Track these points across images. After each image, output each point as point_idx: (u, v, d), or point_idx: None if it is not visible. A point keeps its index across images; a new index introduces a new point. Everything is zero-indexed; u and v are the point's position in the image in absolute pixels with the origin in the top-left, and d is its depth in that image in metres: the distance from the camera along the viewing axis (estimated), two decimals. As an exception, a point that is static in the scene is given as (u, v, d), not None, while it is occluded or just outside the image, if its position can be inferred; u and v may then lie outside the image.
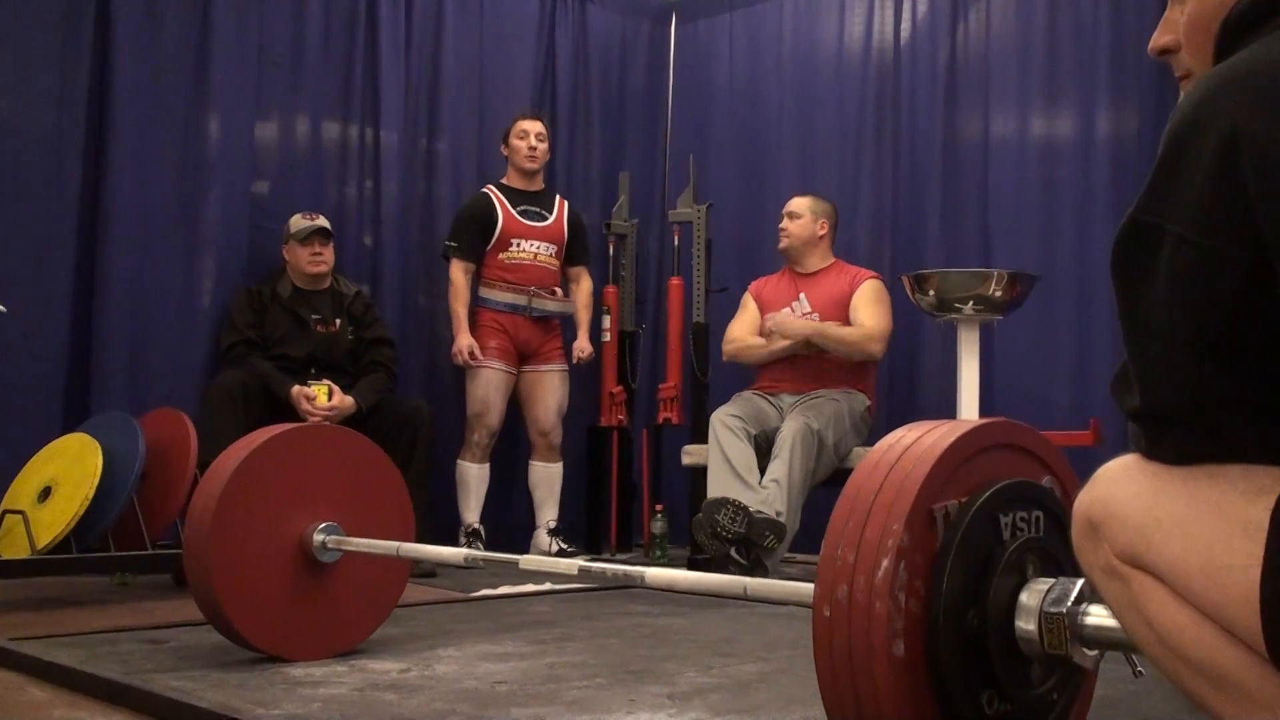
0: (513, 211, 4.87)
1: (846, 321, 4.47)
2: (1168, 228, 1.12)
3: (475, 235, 4.84)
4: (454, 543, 4.63)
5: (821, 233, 4.61)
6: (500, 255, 4.86)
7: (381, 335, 4.52)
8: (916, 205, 5.03)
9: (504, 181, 4.97)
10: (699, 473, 4.41)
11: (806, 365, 4.48)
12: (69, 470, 3.45)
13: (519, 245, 4.87)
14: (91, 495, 3.34)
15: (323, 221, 4.42)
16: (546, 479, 4.97)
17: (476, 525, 4.79)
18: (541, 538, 4.90)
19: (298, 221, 4.40)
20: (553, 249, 4.95)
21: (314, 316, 4.35)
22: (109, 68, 4.24)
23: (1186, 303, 1.10)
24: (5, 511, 3.44)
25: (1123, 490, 1.21)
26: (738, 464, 4.14)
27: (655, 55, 5.91)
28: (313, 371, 4.28)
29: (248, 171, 4.66)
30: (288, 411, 4.06)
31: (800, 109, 5.42)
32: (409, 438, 4.20)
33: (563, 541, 4.86)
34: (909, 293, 4.21)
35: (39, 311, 4.07)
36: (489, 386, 4.79)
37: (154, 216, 4.32)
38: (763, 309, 4.66)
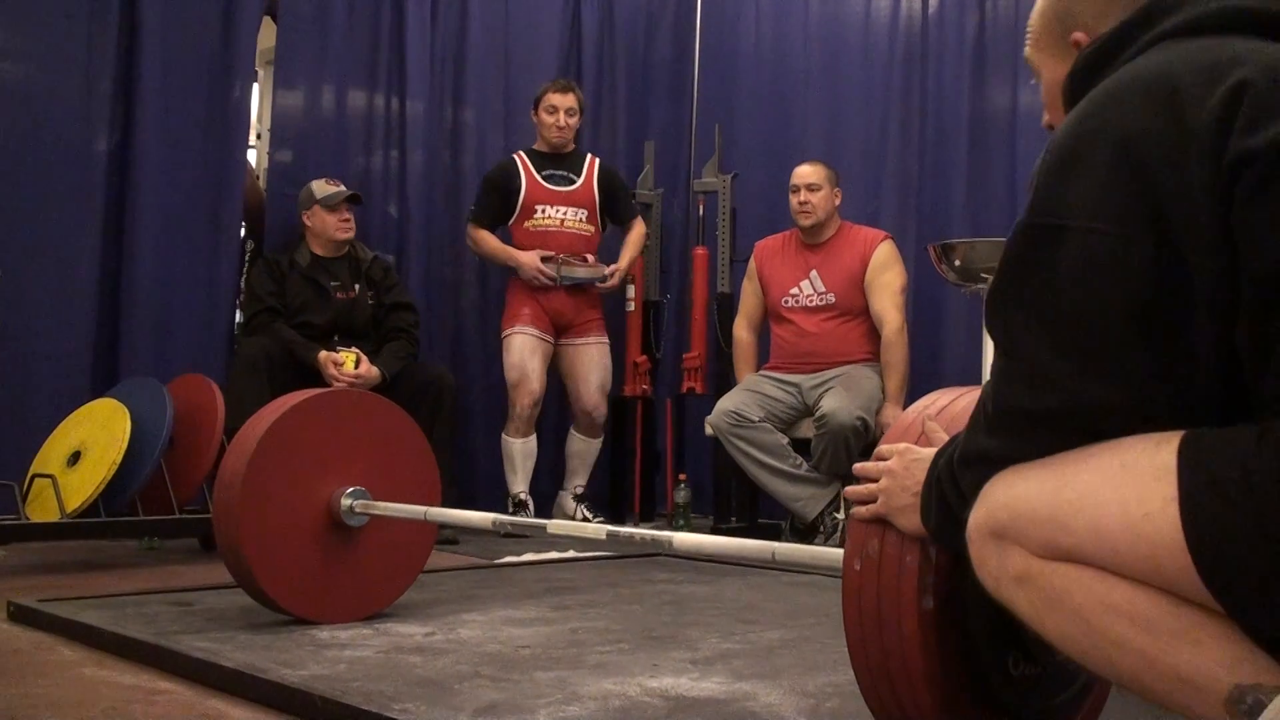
0: (537, 177, 4.80)
1: (860, 295, 4.45)
2: (1071, 224, 1.18)
3: (495, 203, 4.79)
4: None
5: (837, 202, 4.58)
6: (526, 224, 4.78)
7: (402, 300, 4.50)
8: (943, 175, 4.99)
9: (534, 147, 4.89)
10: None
11: (824, 341, 4.46)
12: (98, 435, 3.48)
13: (544, 211, 4.78)
14: (120, 460, 3.37)
15: (345, 189, 4.42)
16: (583, 451, 4.91)
17: (524, 496, 4.73)
18: (567, 501, 4.88)
19: (322, 187, 4.37)
20: (583, 213, 4.83)
21: (333, 283, 4.34)
22: (136, 36, 4.24)
23: (1104, 285, 1.16)
24: (35, 475, 3.48)
25: (1021, 489, 1.22)
26: (771, 458, 4.22)
27: (681, 24, 5.88)
28: (336, 339, 4.28)
29: (273, 139, 4.68)
30: (313, 378, 4.06)
31: (827, 78, 5.37)
32: (431, 405, 4.17)
33: (587, 510, 4.85)
34: (935, 262, 4.18)
35: (68, 278, 4.10)
36: (523, 352, 4.69)
37: (181, 182, 4.34)
38: (768, 283, 4.63)
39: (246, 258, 4.60)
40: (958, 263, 4.06)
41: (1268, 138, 1.11)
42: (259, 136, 5.76)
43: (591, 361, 4.86)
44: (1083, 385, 1.18)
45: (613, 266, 4.85)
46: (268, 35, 4.75)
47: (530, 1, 5.38)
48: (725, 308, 5.01)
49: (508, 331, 4.74)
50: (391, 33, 4.95)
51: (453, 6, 5.14)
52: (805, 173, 4.54)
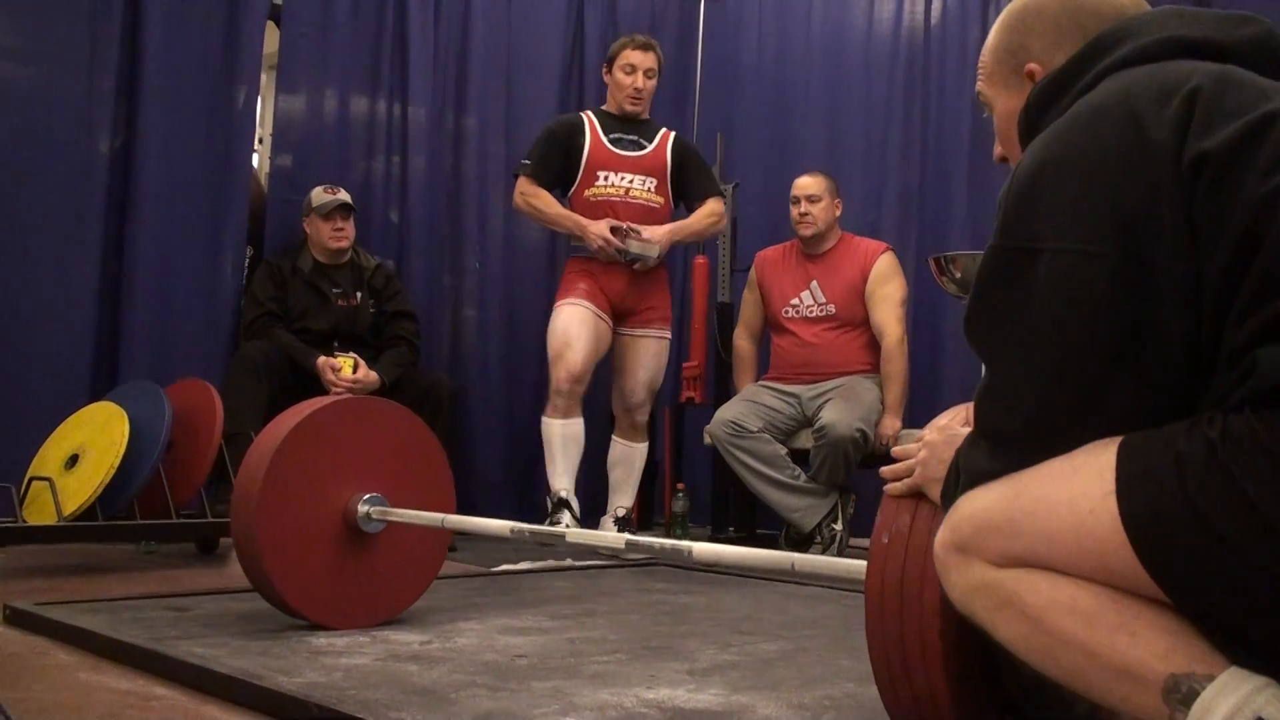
0: (603, 138, 4.36)
1: (861, 306, 4.44)
2: (1041, 247, 1.23)
3: (553, 155, 4.34)
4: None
5: (838, 213, 4.58)
6: (585, 192, 4.33)
7: (403, 308, 4.49)
8: (944, 186, 5.00)
9: (603, 108, 4.51)
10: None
11: (824, 351, 4.46)
12: (96, 438, 3.48)
13: (606, 178, 4.33)
14: (118, 463, 3.36)
15: (344, 196, 4.39)
16: (626, 459, 4.43)
17: (565, 494, 4.20)
18: (609, 527, 4.35)
19: (319, 195, 4.38)
20: (650, 183, 4.38)
21: (335, 290, 4.34)
22: (139, 38, 4.24)
23: (1074, 302, 1.20)
24: (32, 478, 3.47)
25: (982, 503, 1.28)
26: (769, 468, 4.21)
27: (684, 33, 5.88)
28: (335, 344, 4.28)
29: (275, 144, 4.68)
30: (311, 383, 4.06)
31: (829, 88, 5.38)
32: (429, 411, 4.10)
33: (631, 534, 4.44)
34: (935, 274, 4.18)
35: (68, 280, 4.10)
36: (570, 321, 4.22)
37: (184, 186, 4.34)
38: (769, 293, 4.63)
39: (246, 262, 4.60)
40: (958, 275, 4.06)
41: (1222, 137, 1.17)
42: (260, 141, 5.76)
43: (646, 354, 4.39)
44: (1056, 402, 1.22)
45: (661, 233, 4.31)
46: (270, 39, 4.75)
47: (533, 8, 5.39)
48: (725, 317, 5.01)
49: (559, 303, 4.32)
50: (394, 38, 4.96)
51: (455, 12, 5.15)
52: (805, 184, 4.55)
